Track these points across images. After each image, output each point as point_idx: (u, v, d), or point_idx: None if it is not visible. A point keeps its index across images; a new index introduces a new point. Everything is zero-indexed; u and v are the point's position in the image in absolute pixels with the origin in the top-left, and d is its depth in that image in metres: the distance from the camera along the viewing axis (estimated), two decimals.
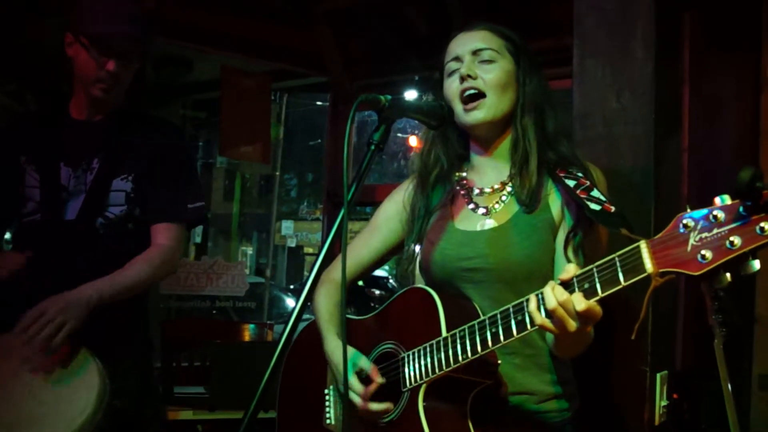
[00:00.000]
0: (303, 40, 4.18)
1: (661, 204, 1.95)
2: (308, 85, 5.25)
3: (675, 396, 2.05)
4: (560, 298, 1.30)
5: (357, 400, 1.61)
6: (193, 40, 4.04)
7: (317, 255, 1.39)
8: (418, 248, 1.80)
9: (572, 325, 1.30)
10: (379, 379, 1.61)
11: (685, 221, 1.18)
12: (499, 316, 1.44)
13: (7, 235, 2.28)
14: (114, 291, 2.02)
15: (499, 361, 1.57)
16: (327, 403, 1.81)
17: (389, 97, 1.47)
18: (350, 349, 1.69)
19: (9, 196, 2.16)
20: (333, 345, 1.75)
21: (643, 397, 1.89)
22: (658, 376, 1.92)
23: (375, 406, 1.60)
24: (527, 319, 1.38)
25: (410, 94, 4.28)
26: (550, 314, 1.31)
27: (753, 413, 2.64)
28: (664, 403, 1.93)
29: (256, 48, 4.21)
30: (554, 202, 1.66)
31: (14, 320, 1.95)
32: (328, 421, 1.79)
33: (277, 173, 14.96)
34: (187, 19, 3.87)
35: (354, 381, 1.63)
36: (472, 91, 1.66)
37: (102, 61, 2.07)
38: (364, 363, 1.65)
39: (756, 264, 1.13)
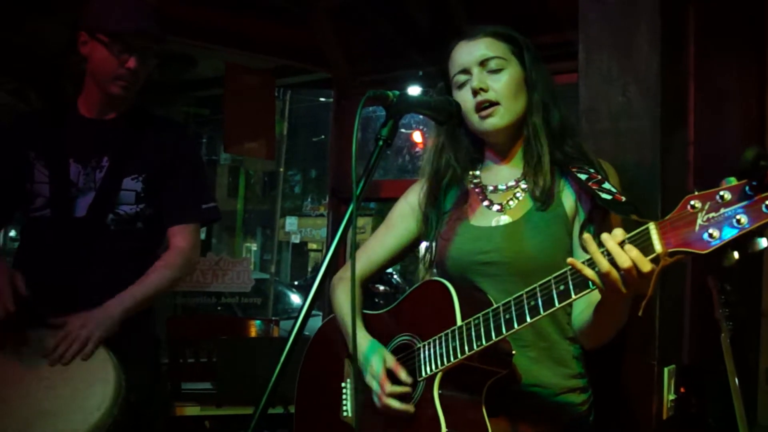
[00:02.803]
0: (306, 37, 4.17)
1: (667, 198, 1.94)
2: (311, 82, 5.25)
3: (682, 390, 2.05)
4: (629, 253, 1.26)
5: (377, 388, 1.64)
6: (197, 37, 4.04)
7: (326, 250, 1.39)
8: (433, 248, 1.81)
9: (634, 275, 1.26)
10: (403, 376, 1.63)
11: (692, 202, 1.21)
12: (513, 302, 1.45)
13: (12, 233, 2.28)
14: (138, 302, 2.07)
15: (514, 352, 1.58)
16: (344, 397, 1.83)
17: (397, 92, 1.48)
18: (375, 343, 1.72)
19: (17, 192, 2.16)
20: (359, 338, 1.76)
21: (650, 391, 1.90)
22: (666, 370, 1.92)
23: (395, 404, 1.61)
24: (540, 305, 1.39)
25: (413, 90, 4.28)
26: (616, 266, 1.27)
27: (760, 407, 2.64)
28: (671, 396, 1.93)
29: (260, 45, 4.21)
30: (567, 197, 1.68)
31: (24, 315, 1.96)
32: (344, 414, 1.82)
33: (281, 170, 14.95)
34: (191, 16, 3.87)
35: (381, 371, 1.64)
36: (486, 104, 1.68)
37: (123, 59, 2.08)
38: (390, 359, 1.67)
39: (763, 242, 1.15)
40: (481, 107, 1.69)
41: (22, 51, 4.01)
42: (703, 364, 2.50)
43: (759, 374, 2.67)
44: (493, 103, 1.68)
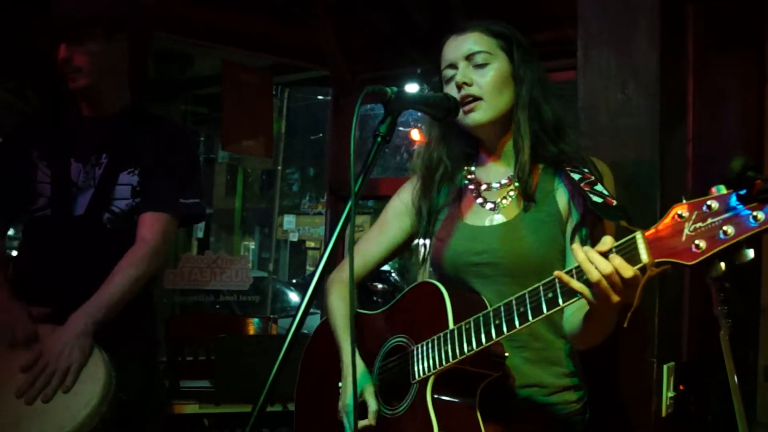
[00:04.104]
0: (304, 34, 4.17)
1: (666, 195, 1.94)
2: (309, 79, 5.25)
3: (681, 387, 2.05)
4: (611, 263, 1.26)
5: None
6: (194, 35, 4.04)
7: (324, 248, 1.39)
8: (427, 245, 1.81)
9: (620, 286, 1.26)
10: (372, 422, 1.63)
11: (680, 211, 1.19)
12: (502, 308, 1.45)
13: (11, 231, 2.28)
14: (107, 309, 1.95)
15: (507, 354, 1.58)
16: (341, 396, 1.81)
17: (395, 89, 1.47)
18: (362, 371, 1.70)
19: (20, 192, 2.15)
20: (350, 357, 1.71)
21: (649, 389, 1.89)
22: (665, 367, 1.93)
23: None
24: (529, 311, 1.39)
25: (411, 87, 4.27)
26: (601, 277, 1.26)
27: (759, 404, 2.64)
28: (670, 394, 1.93)
29: (257, 42, 4.21)
30: (561, 196, 1.67)
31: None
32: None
33: (279, 168, 14.94)
34: (188, 14, 3.87)
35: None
36: (469, 98, 1.67)
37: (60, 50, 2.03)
38: (370, 398, 1.66)
39: (750, 253, 1.14)
40: (464, 102, 1.67)
41: (22, 51, 4.00)
42: (702, 362, 2.50)
43: (758, 371, 2.67)
44: (476, 98, 1.67)
